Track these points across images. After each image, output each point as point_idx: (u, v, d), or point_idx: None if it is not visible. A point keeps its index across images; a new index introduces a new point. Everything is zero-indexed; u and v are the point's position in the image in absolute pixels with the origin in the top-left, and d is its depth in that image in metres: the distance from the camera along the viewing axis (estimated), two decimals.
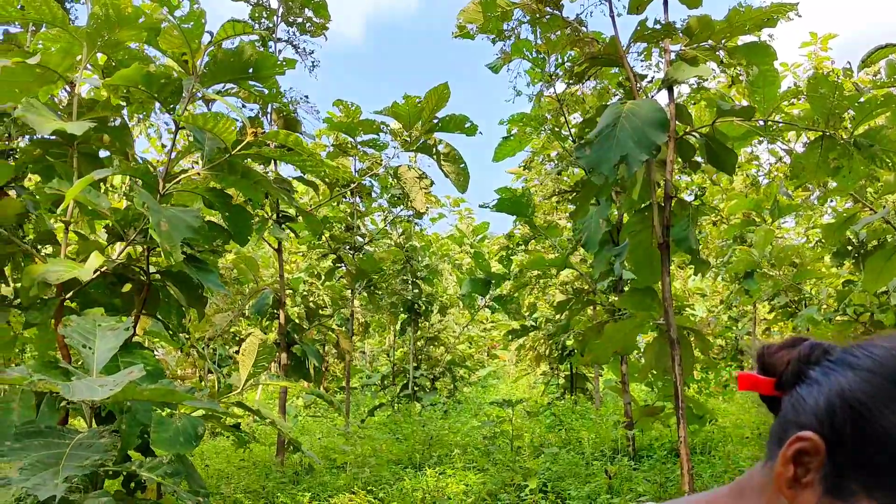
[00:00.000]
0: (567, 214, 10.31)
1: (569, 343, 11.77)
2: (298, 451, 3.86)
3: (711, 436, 8.69)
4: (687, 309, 14.53)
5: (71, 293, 3.35)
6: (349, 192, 8.83)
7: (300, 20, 7.21)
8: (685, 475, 4.45)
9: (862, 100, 4.57)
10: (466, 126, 6.81)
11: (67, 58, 3.42)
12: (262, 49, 5.90)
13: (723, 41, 4.86)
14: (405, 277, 12.68)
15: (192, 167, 4.19)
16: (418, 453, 8.49)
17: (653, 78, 5.87)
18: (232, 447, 8.02)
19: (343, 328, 10.82)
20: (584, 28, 5.21)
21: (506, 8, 5.24)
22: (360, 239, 10.00)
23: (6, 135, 3.94)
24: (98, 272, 3.28)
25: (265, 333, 9.98)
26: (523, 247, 10.37)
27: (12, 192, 3.86)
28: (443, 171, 7.02)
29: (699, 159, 5.23)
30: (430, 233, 16.64)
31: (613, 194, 6.05)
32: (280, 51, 7.21)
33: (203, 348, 10.11)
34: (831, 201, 9.48)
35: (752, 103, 4.93)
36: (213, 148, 3.47)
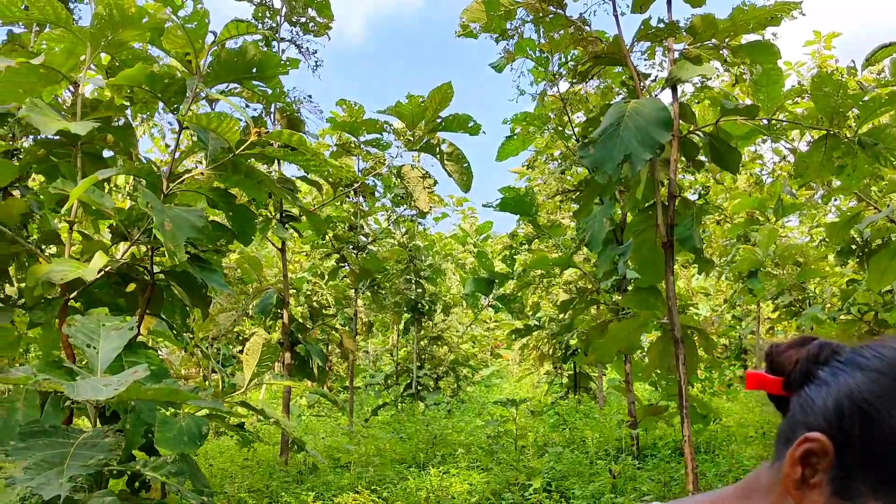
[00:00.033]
0: (570, 213, 10.30)
1: (572, 342, 11.77)
2: (302, 451, 3.86)
3: (715, 435, 8.68)
4: (691, 308, 14.50)
5: (75, 293, 3.35)
6: (353, 192, 8.84)
7: (303, 20, 7.21)
8: (689, 474, 4.44)
9: (866, 98, 4.55)
10: (470, 125, 6.81)
11: (71, 58, 3.43)
12: (265, 49, 5.90)
13: (726, 40, 4.85)
14: (409, 277, 12.69)
15: (196, 167, 4.20)
16: (422, 453, 8.49)
17: (656, 77, 5.85)
18: (236, 446, 8.02)
19: (346, 328, 10.82)
20: (587, 27, 5.20)
21: (509, 7, 5.23)
22: (364, 238, 10.00)
23: (10, 135, 3.95)
24: (102, 272, 3.28)
25: (269, 333, 9.98)
26: (527, 246, 10.36)
27: (16, 192, 3.87)
28: (446, 170, 7.01)
29: (703, 158, 5.22)
30: (434, 232, 16.66)
31: (617, 193, 6.04)
32: (283, 50, 7.21)
33: (207, 348, 10.12)
34: (835, 200, 9.45)
35: (756, 102, 4.92)
36: (217, 148, 3.47)
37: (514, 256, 10.51)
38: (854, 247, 7.54)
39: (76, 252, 3.83)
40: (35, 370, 2.52)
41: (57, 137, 3.44)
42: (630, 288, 7.21)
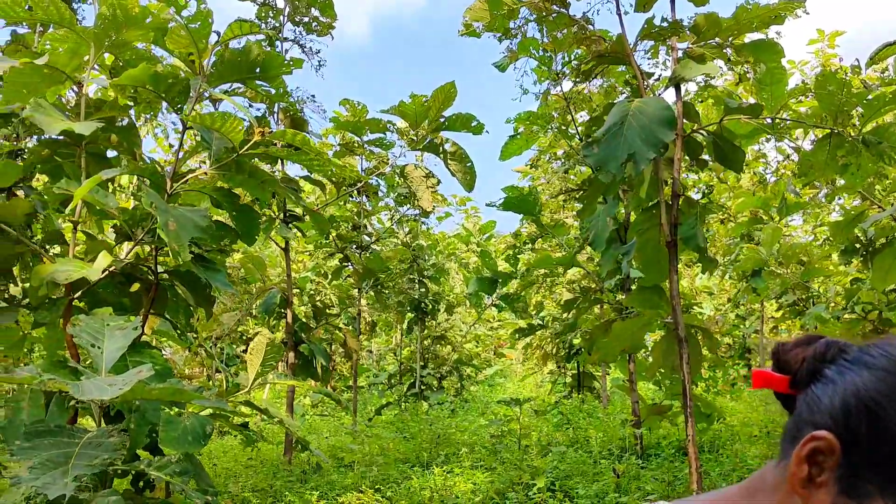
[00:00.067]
0: (574, 213, 10.29)
1: (576, 342, 11.77)
2: (306, 450, 3.86)
3: (719, 434, 8.67)
4: (694, 307, 14.50)
5: (79, 293, 3.36)
6: (356, 192, 8.84)
7: (306, 19, 7.22)
8: (693, 473, 4.44)
9: (870, 97, 4.54)
10: (473, 125, 6.80)
11: (75, 58, 3.43)
12: (268, 49, 5.90)
13: (730, 39, 4.84)
14: (412, 276, 12.69)
15: (200, 167, 4.20)
16: (426, 452, 8.49)
17: (660, 76, 5.86)
18: (240, 446, 8.03)
19: (350, 327, 10.83)
20: (590, 26, 5.20)
21: (512, 6, 5.23)
22: (367, 238, 10.00)
23: (14, 135, 3.95)
24: (106, 272, 3.29)
25: (273, 332, 9.98)
26: (530, 245, 10.36)
27: (21, 192, 3.87)
28: (449, 169, 7.01)
29: (707, 157, 5.21)
30: (437, 232, 16.66)
31: (621, 192, 6.04)
32: (287, 50, 7.23)
33: (211, 347, 10.13)
34: (839, 199, 9.44)
35: (760, 101, 4.91)
36: (221, 147, 3.47)
37: (518, 256, 10.52)
38: (858, 246, 7.52)
39: (80, 252, 3.84)
40: (40, 370, 2.53)
41: (61, 137, 3.44)
42: (634, 287, 7.20)
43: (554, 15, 5.15)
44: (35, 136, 3.99)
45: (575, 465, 7.25)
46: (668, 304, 5.22)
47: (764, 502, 0.83)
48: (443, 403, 12.96)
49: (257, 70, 3.67)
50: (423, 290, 12.81)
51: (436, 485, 6.63)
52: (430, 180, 7.73)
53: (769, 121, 4.91)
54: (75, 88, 3.66)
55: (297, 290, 10.35)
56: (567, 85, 7.21)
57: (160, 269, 3.68)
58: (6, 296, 4.23)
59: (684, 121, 4.88)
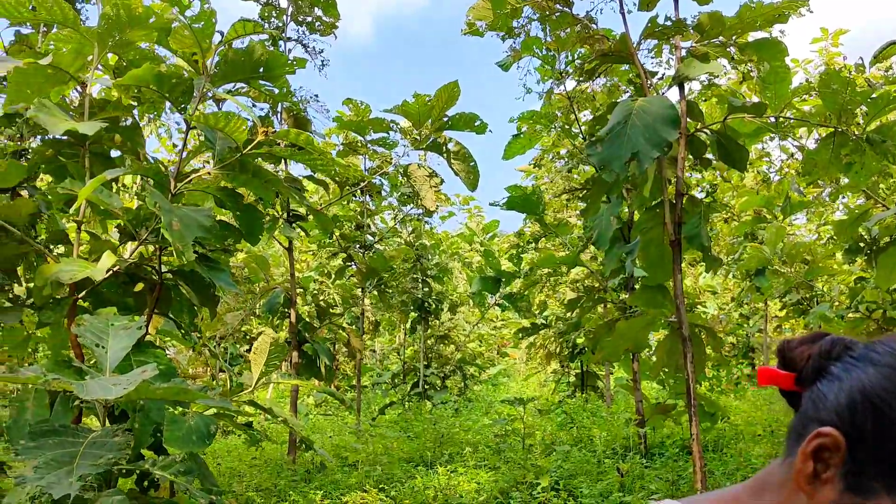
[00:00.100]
0: (577, 212, 10.29)
1: (579, 341, 11.77)
2: (310, 450, 3.86)
3: (723, 433, 8.67)
4: (698, 306, 14.50)
5: (83, 293, 3.36)
6: (359, 191, 8.84)
7: (310, 19, 7.22)
8: (697, 472, 4.43)
9: (874, 95, 4.54)
10: (476, 124, 6.80)
11: (79, 58, 3.43)
12: (272, 48, 5.91)
13: (734, 37, 4.84)
14: (415, 276, 12.69)
15: (204, 166, 4.20)
16: (430, 451, 8.49)
17: (663, 75, 5.84)
18: (244, 445, 8.04)
19: (353, 326, 10.84)
20: (594, 25, 5.20)
21: (515, 5, 5.23)
22: (371, 237, 10.00)
23: (18, 135, 3.96)
24: (110, 272, 3.29)
25: (276, 332, 10.00)
26: (533, 244, 10.36)
27: (25, 192, 3.88)
28: (453, 169, 7.01)
29: (710, 156, 5.21)
30: (440, 231, 16.67)
31: (624, 191, 6.03)
32: (290, 50, 7.23)
33: (215, 347, 10.14)
34: (843, 198, 9.43)
35: (764, 100, 4.91)
36: (225, 147, 3.47)
37: (521, 255, 10.52)
38: (862, 244, 7.50)
39: (84, 252, 3.84)
40: (44, 370, 2.53)
41: (65, 137, 3.45)
42: (637, 286, 7.19)
43: (557, 14, 5.15)
44: (39, 136, 4.00)
45: (579, 464, 7.25)
46: (671, 303, 5.22)
47: (770, 500, 0.83)
48: (446, 403, 12.97)
49: (261, 70, 3.68)
50: (426, 289, 12.81)
51: (440, 484, 6.63)
52: (433, 180, 7.73)
53: (773, 119, 4.91)
54: (79, 88, 3.66)
55: (301, 290, 10.35)
56: (570, 84, 7.20)
57: (164, 268, 3.68)
58: (10, 295, 4.24)
59: (688, 120, 4.88)
